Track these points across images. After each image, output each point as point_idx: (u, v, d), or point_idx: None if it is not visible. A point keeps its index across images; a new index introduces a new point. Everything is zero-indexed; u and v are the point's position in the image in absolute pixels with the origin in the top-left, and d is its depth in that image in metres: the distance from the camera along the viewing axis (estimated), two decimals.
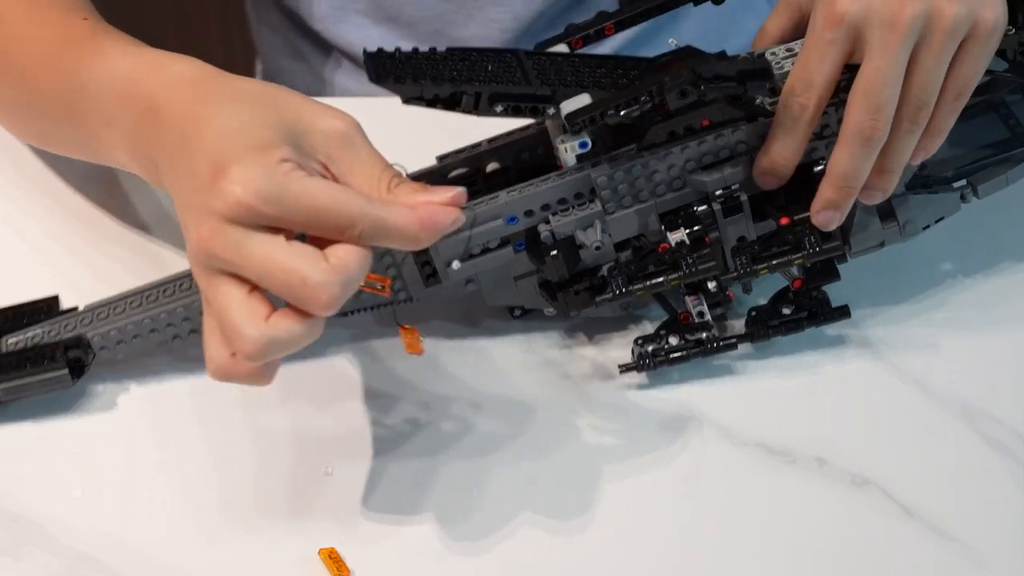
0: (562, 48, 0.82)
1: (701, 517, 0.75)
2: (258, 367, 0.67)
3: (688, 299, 0.80)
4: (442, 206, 0.68)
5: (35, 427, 0.80)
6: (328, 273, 0.65)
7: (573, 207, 0.79)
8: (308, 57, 1.11)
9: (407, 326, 0.77)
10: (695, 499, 0.76)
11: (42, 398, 0.80)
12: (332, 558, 0.73)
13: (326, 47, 1.09)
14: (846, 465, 0.77)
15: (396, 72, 0.74)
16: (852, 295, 0.85)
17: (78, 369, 0.79)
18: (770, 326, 0.81)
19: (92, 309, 0.80)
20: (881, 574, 0.73)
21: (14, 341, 0.79)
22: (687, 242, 0.79)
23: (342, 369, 0.83)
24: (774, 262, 0.79)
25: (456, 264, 0.78)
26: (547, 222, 0.79)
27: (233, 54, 1.78)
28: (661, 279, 0.79)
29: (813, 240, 0.79)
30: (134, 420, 0.80)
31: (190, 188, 0.67)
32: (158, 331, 0.79)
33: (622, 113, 0.75)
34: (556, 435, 0.79)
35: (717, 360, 0.82)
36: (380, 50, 0.75)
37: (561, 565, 0.74)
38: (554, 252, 0.78)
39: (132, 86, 0.74)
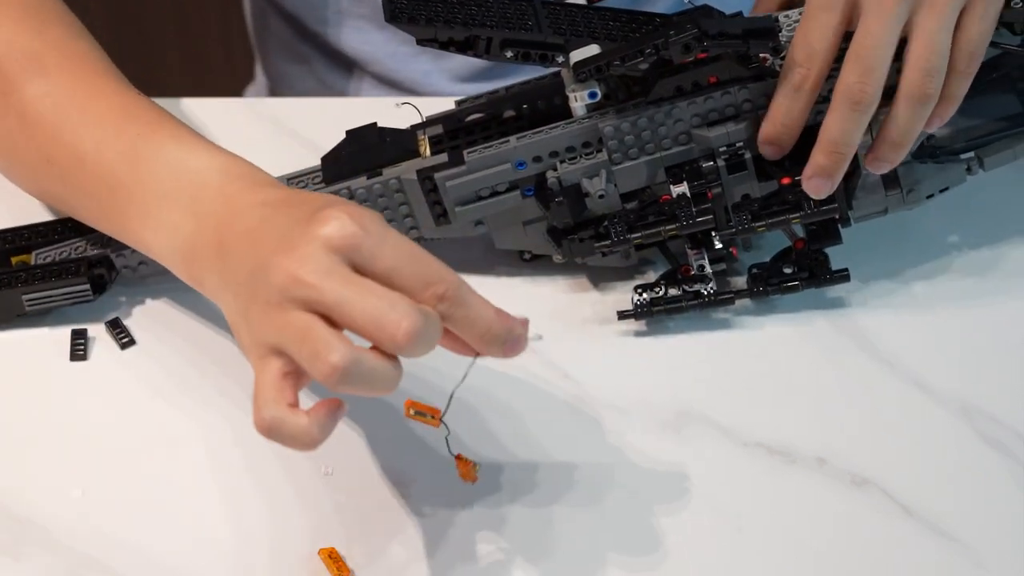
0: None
1: (701, 517, 0.75)
2: (311, 424, 0.65)
3: (691, 252, 0.82)
4: (518, 321, 0.68)
5: (35, 427, 0.80)
6: (412, 306, 0.64)
7: (580, 156, 0.81)
8: (309, 60, 1.11)
9: (463, 457, 0.77)
10: (695, 499, 0.76)
11: (45, 391, 0.81)
12: (332, 558, 0.73)
13: (327, 50, 1.09)
14: (846, 465, 0.77)
15: (411, 13, 0.76)
16: (852, 295, 0.85)
17: (100, 286, 0.82)
18: (769, 284, 0.82)
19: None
20: (881, 574, 0.73)
21: (44, 254, 0.83)
22: (688, 195, 0.80)
23: None
24: (772, 220, 0.80)
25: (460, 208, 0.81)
26: (555, 169, 0.81)
27: (233, 55, 1.78)
28: (659, 228, 0.80)
29: (812, 201, 0.80)
30: (134, 420, 0.80)
31: (274, 241, 0.67)
32: None
33: (626, 64, 0.77)
34: (556, 435, 0.79)
35: (717, 360, 0.82)
36: None
37: (558, 563, 0.74)
38: (560, 199, 0.80)
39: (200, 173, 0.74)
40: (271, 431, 0.65)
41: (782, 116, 0.78)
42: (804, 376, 0.82)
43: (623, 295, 0.86)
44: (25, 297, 0.82)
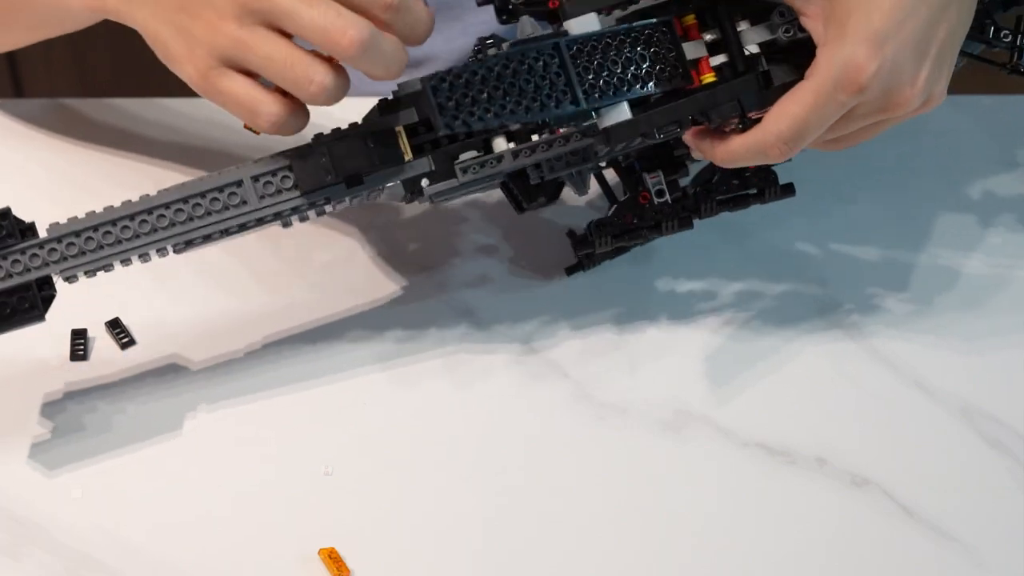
0: None
1: (701, 517, 0.75)
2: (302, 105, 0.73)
3: (648, 176, 0.83)
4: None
5: (35, 427, 0.80)
6: (359, 18, 0.71)
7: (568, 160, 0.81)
8: None
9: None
10: (695, 499, 0.76)
11: (45, 391, 0.81)
12: (332, 558, 0.73)
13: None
14: (846, 465, 0.77)
15: (464, 118, 0.73)
16: (852, 295, 0.85)
17: (47, 301, 0.75)
18: (718, 200, 0.84)
19: (58, 238, 0.75)
20: (881, 574, 0.73)
21: None
22: (669, 201, 0.84)
23: (342, 370, 0.83)
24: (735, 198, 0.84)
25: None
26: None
27: None
28: (644, 238, 0.84)
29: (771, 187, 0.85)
30: (133, 420, 0.80)
31: None
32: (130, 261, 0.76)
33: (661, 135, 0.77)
34: (555, 435, 0.79)
35: (716, 360, 0.82)
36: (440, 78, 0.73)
37: (559, 563, 0.74)
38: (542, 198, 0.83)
39: None
40: (368, 45, 0.70)
41: (738, 160, 0.76)
42: (804, 376, 0.82)
43: (623, 295, 0.86)
44: None
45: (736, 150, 0.76)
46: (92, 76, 1.70)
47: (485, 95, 0.73)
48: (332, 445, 0.79)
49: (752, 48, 0.78)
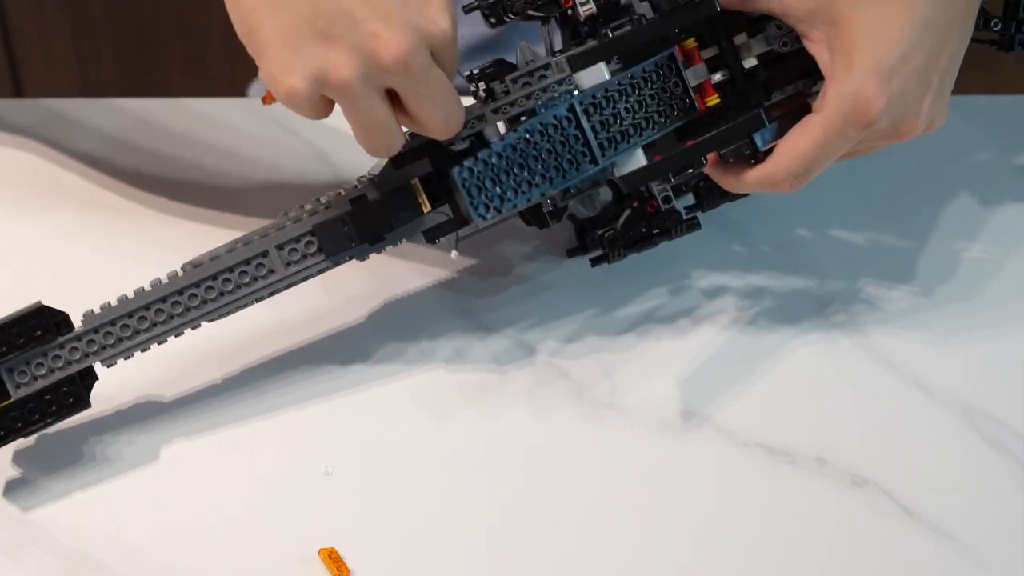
0: None
1: (701, 517, 0.76)
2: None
3: (654, 185, 0.83)
4: None
5: None
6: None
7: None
8: None
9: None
10: (695, 499, 0.76)
11: None
12: (332, 558, 0.73)
13: None
14: (846, 465, 0.77)
15: (495, 204, 0.74)
16: (852, 295, 0.85)
17: (89, 388, 0.77)
18: (717, 195, 0.85)
19: (95, 328, 0.76)
20: (881, 574, 0.73)
21: (18, 380, 0.75)
22: (678, 210, 0.84)
23: (342, 370, 0.83)
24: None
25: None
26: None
27: (233, 55, 1.78)
28: (655, 243, 0.84)
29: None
30: (134, 420, 0.80)
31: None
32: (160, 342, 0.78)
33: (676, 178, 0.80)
34: (555, 435, 0.79)
35: (717, 360, 0.82)
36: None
37: (559, 563, 0.74)
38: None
39: None
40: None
41: (749, 191, 0.78)
42: (804, 376, 0.82)
43: (622, 295, 0.86)
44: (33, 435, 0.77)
45: (748, 183, 0.78)
46: (93, 76, 1.71)
47: (511, 176, 0.74)
48: (332, 445, 0.79)
49: (751, 61, 0.79)
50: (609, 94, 0.76)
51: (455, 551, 0.74)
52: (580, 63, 0.76)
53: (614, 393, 0.81)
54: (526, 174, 0.74)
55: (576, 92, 0.76)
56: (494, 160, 0.73)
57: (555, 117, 0.74)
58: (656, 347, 0.84)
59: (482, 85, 0.77)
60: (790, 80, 0.79)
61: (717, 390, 0.81)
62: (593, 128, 0.75)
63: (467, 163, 0.72)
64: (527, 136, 0.74)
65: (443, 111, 0.72)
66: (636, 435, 0.79)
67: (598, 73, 0.76)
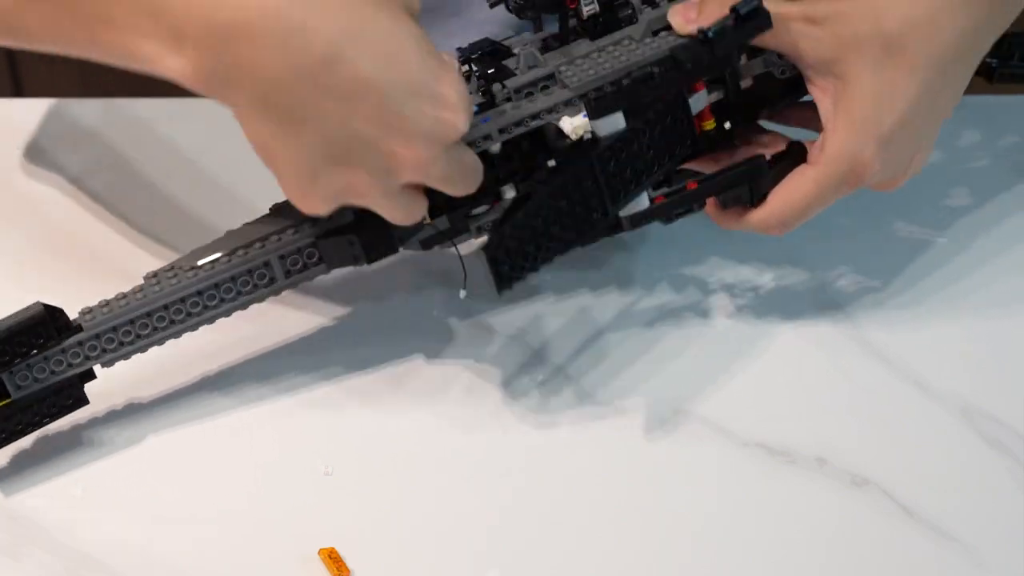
0: None
1: (701, 517, 0.75)
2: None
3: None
4: None
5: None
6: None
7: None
8: None
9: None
10: (695, 499, 0.76)
11: None
12: (332, 558, 0.73)
13: None
14: (846, 465, 0.77)
15: (519, 274, 0.74)
16: (852, 295, 0.85)
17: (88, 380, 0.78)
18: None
19: (97, 334, 0.76)
20: (881, 574, 0.73)
21: (19, 381, 0.75)
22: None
23: (342, 369, 0.83)
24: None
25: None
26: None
27: None
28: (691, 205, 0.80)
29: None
30: (133, 420, 0.80)
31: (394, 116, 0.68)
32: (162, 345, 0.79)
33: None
34: (555, 435, 0.79)
35: (716, 360, 0.82)
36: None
37: (559, 563, 0.74)
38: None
39: None
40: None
41: (736, 228, 0.80)
42: (804, 376, 0.82)
43: (622, 295, 0.86)
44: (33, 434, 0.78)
45: (743, 225, 0.80)
46: (93, 76, 1.70)
47: (534, 245, 0.74)
48: (332, 445, 0.79)
49: (747, 82, 0.79)
50: (622, 143, 0.75)
51: (455, 551, 0.74)
52: (598, 111, 0.75)
53: (614, 393, 0.81)
54: (547, 239, 0.74)
55: (590, 136, 0.75)
56: (518, 232, 0.73)
57: (576, 176, 0.73)
58: (656, 347, 0.84)
59: (481, 82, 0.77)
60: (780, 98, 0.80)
61: (717, 389, 0.81)
62: (606, 180, 0.75)
63: (495, 241, 0.72)
64: (551, 201, 0.73)
65: (464, 187, 0.73)
66: (636, 435, 0.79)
67: (615, 122, 0.75)
